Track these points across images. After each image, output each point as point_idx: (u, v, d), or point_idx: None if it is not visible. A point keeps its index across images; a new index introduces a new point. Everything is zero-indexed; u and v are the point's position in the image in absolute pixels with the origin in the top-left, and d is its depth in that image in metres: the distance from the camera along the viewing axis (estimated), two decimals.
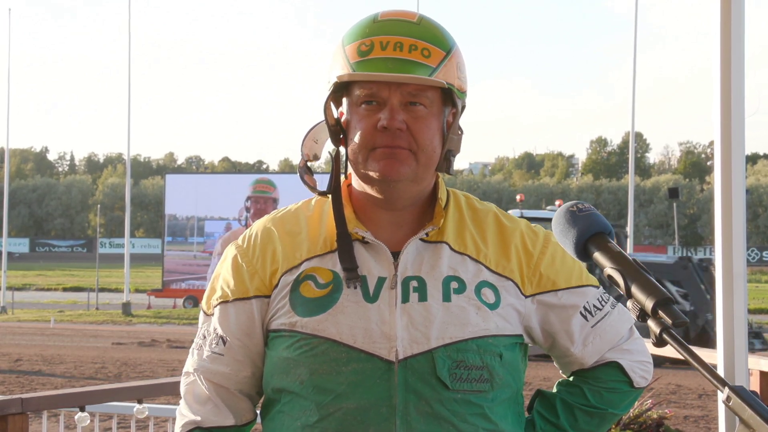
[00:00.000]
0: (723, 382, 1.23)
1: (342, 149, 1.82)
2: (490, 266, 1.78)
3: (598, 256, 1.48)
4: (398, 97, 1.72)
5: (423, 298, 1.72)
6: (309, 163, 1.87)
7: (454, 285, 1.74)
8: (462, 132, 1.82)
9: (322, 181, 1.83)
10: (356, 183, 1.82)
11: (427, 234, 1.77)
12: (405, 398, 1.67)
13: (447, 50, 1.75)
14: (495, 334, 1.73)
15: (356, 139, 1.74)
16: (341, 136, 1.80)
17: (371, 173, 1.74)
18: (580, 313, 1.82)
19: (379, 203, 1.80)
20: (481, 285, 1.76)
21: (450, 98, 1.78)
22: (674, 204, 26.75)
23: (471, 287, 1.75)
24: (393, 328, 1.69)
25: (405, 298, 1.72)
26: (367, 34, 1.74)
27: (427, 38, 1.74)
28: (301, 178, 1.85)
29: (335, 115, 1.81)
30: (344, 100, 1.79)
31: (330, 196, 1.82)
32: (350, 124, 1.77)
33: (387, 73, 1.70)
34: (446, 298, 1.72)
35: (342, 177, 1.85)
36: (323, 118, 1.81)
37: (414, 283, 1.73)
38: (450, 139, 1.78)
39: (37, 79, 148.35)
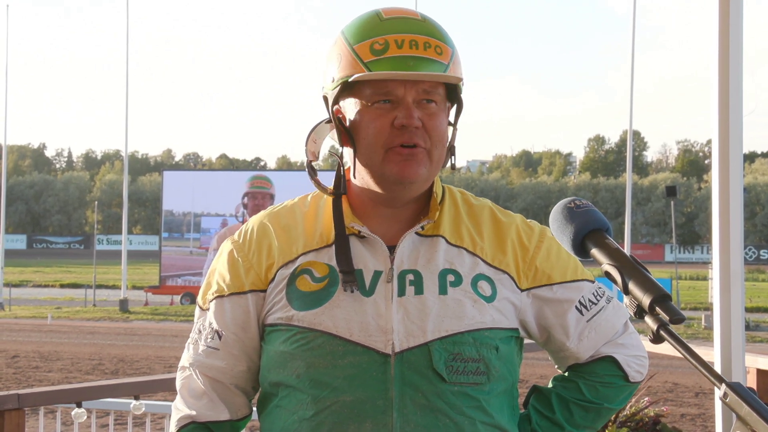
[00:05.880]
0: (720, 379, 1.23)
1: (345, 148, 1.81)
2: (487, 259, 1.79)
3: (595, 252, 1.48)
4: (413, 95, 1.72)
5: (419, 291, 1.72)
6: (312, 163, 1.87)
7: (450, 278, 1.74)
8: (457, 129, 1.82)
9: (322, 178, 1.83)
10: (358, 179, 1.81)
11: (422, 227, 1.78)
12: (402, 391, 1.67)
13: (452, 47, 1.76)
14: (491, 327, 1.73)
15: (371, 138, 1.73)
16: (343, 134, 1.79)
17: (387, 173, 1.73)
18: (576, 307, 1.83)
19: (380, 199, 1.80)
20: (478, 278, 1.76)
21: (454, 95, 1.78)
22: (672, 202, 26.73)
23: (467, 280, 1.75)
24: (389, 322, 1.70)
25: (401, 292, 1.72)
26: (378, 33, 1.73)
27: (436, 35, 1.75)
28: (312, 178, 1.84)
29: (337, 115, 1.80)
30: (349, 99, 1.77)
31: (335, 195, 1.81)
32: (360, 124, 1.75)
33: (407, 71, 1.69)
34: (442, 291, 1.73)
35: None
36: (322, 118, 1.81)
37: (410, 277, 1.73)
38: (453, 135, 1.79)
39: (35, 75, 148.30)
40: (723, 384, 1.22)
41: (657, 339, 1.32)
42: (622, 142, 75.19)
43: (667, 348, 1.33)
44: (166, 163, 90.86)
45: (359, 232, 1.76)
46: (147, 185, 73.26)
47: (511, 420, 1.78)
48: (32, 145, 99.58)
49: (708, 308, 22.85)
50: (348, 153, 1.80)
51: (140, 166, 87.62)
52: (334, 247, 1.77)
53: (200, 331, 1.84)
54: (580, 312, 1.83)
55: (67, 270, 45.12)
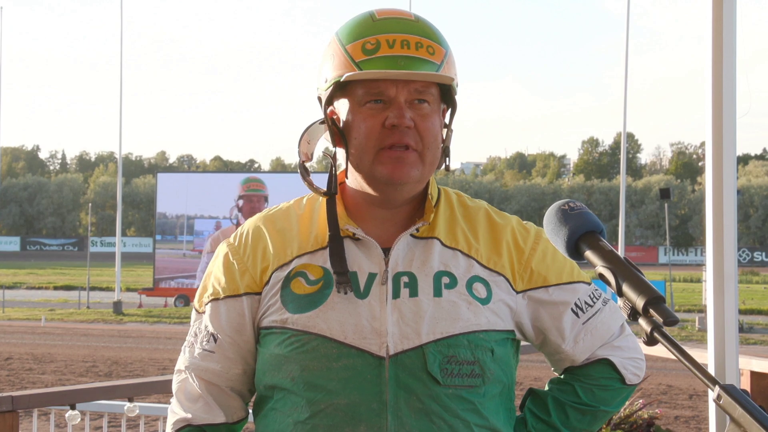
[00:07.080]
0: (714, 381, 1.23)
1: (338, 149, 1.81)
2: (482, 261, 1.78)
3: (589, 254, 1.48)
4: (405, 95, 1.71)
5: (414, 293, 1.72)
6: (306, 164, 1.87)
7: (445, 280, 1.74)
8: (452, 130, 1.82)
9: (317, 180, 1.83)
10: (352, 181, 1.81)
11: (417, 230, 1.77)
12: (396, 394, 1.67)
13: (446, 47, 1.76)
14: (486, 329, 1.72)
15: (362, 138, 1.72)
16: (336, 135, 1.79)
17: (378, 175, 1.73)
18: (571, 309, 1.82)
19: (374, 201, 1.79)
20: (473, 280, 1.75)
21: (447, 96, 1.78)
22: (665, 204, 26.75)
23: (462, 282, 1.74)
24: (383, 324, 1.69)
25: (396, 294, 1.72)
26: (370, 33, 1.73)
27: (429, 36, 1.74)
28: (304, 179, 1.84)
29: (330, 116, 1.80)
30: (342, 100, 1.77)
31: (326, 195, 1.80)
32: (352, 124, 1.74)
33: (398, 70, 1.69)
34: (437, 293, 1.72)
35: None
36: (315, 119, 1.81)
37: (405, 279, 1.73)
38: (447, 136, 1.79)
39: (29, 76, 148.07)
40: (716, 386, 1.22)
41: (651, 341, 1.32)
42: (616, 145, 75.42)
43: (661, 350, 1.33)
44: (160, 165, 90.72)
45: (354, 234, 1.76)
46: (141, 187, 73.10)
47: (507, 423, 1.78)
48: (26, 146, 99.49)
49: (702, 310, 22.86)
50: (341, 154, 1.80)
51: (134, 168, 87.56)
52: (328, 249, 1.77)
53: (196, 335, 1.84)
54: (576, 314, 1.83)
55: (61, 272, 44.96)
